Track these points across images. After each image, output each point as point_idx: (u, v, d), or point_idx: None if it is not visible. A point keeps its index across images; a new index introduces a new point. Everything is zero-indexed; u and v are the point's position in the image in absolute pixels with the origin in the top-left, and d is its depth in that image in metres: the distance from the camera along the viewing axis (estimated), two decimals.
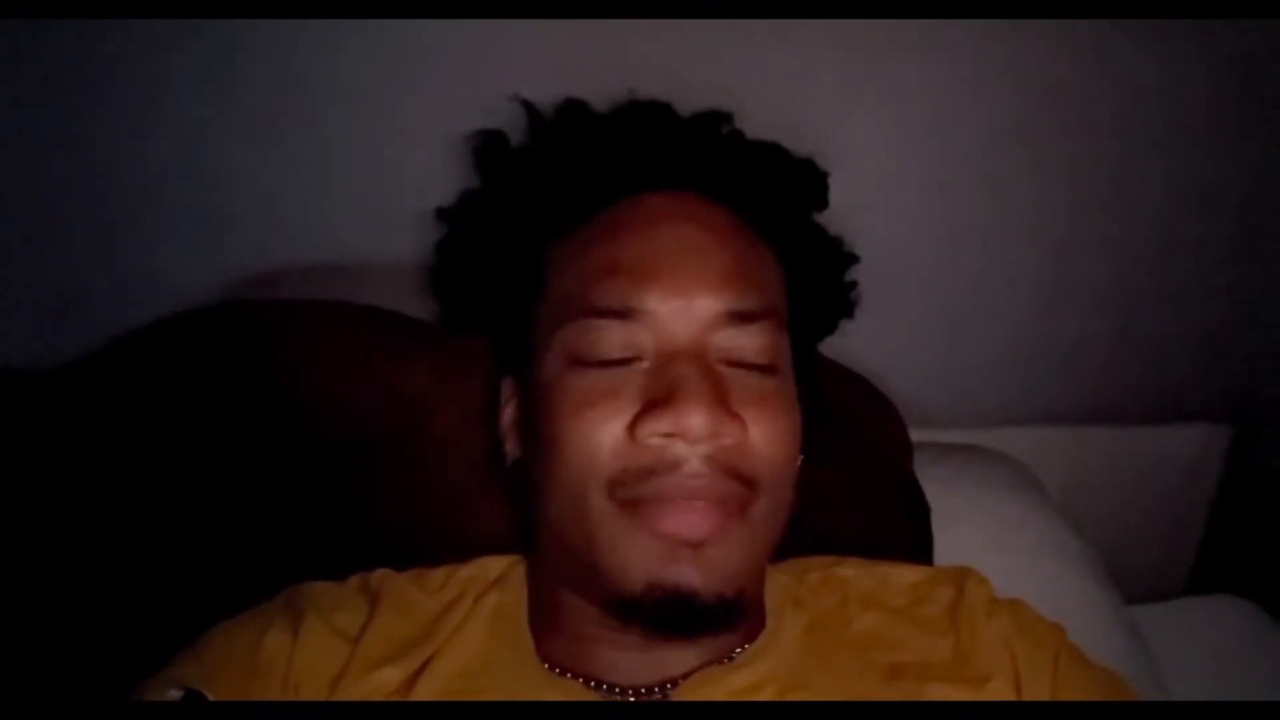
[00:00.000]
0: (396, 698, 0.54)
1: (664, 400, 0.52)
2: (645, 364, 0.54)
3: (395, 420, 0.69)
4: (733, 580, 0.53)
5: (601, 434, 0.53)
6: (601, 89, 0.66)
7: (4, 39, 0.67)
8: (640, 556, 0.52)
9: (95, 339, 0.71)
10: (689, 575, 0.51)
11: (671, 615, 0.52)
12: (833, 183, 0.68)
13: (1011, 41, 0.81)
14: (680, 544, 0.52)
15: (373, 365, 0.69)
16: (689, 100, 0.65)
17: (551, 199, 0.61)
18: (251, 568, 0.64)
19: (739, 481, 0.53)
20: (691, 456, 0.52)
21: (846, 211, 0.69)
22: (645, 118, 0.64)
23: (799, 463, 0.58)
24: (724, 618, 0.53)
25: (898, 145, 0.84)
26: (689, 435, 0.52)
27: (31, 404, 0.68)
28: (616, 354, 0.54)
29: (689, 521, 0.52)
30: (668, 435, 0.52)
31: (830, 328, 0.71)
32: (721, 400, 0.53)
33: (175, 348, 0.69)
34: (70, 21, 0.67)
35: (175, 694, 0.52)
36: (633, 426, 0.52)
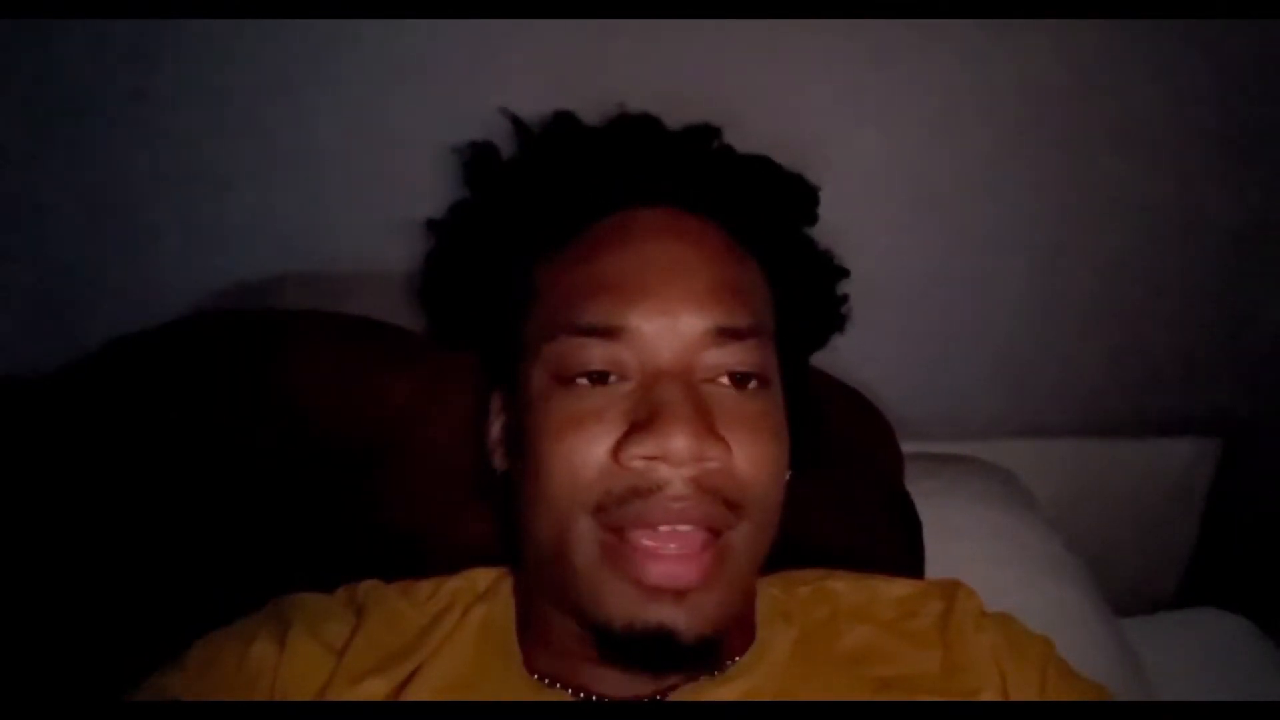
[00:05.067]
0: None
1: (647, 423, 0.51)
2: (630, 384, 0.54)
3: (383, 431, 0.69)
4: (716, 621, 0.52)
5: (586, 457, 0.52)
6: (594, 99, 0.66)
7: None
8: (620, 598, 0.51)
9: (86, 347, 0.71)
10: (670, 617, 0.51)
11: (650, 653, 0.51)
12: (825, 195, 0.68)
13: (1006, 52, 0.80)
14: (663, 591, 0.51)
15: (362, 376, 0.69)
16: (681, 111, 0.65)
17: (538, 214, 0.61)
18: (238, 577, 0.63)
19: (724, 505, 0.52)
20: (675, 479, 0.51)
21: (838, 224, 0.68)
22: (633, 133, 0.64)
23: (787, 479, 0.58)
24: (705, 655, 0.52)
25: (890, 157, 0.84)
26: (672, 458, 0.51)
27: (21, 411, 0.68)
28: (601, 373, 0.54)
29: (672, 573, 0.51)
30: (651, 458, 0.51)
31: (821, 342, 0.70)
32: (706, 423, 0.52)
33: (165, 357, 0.69)
34: (62, 28, 0.67)
35: None
36: (617, 449, 0.52)
